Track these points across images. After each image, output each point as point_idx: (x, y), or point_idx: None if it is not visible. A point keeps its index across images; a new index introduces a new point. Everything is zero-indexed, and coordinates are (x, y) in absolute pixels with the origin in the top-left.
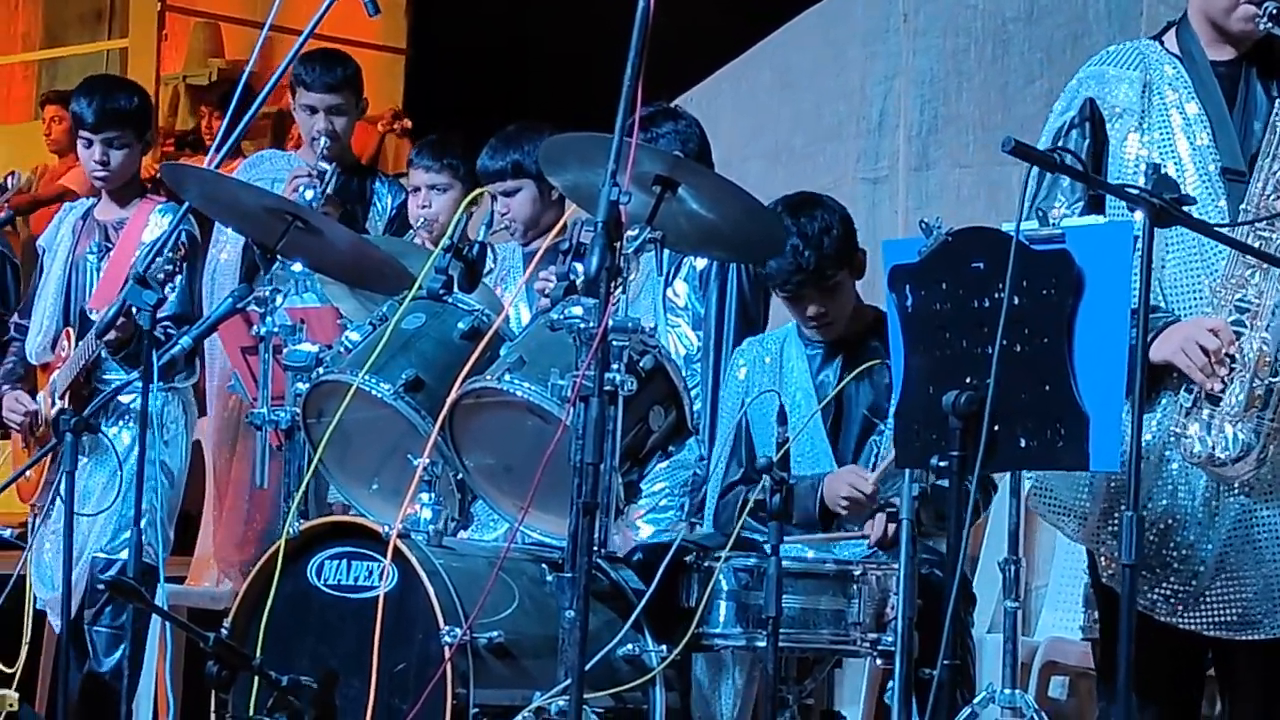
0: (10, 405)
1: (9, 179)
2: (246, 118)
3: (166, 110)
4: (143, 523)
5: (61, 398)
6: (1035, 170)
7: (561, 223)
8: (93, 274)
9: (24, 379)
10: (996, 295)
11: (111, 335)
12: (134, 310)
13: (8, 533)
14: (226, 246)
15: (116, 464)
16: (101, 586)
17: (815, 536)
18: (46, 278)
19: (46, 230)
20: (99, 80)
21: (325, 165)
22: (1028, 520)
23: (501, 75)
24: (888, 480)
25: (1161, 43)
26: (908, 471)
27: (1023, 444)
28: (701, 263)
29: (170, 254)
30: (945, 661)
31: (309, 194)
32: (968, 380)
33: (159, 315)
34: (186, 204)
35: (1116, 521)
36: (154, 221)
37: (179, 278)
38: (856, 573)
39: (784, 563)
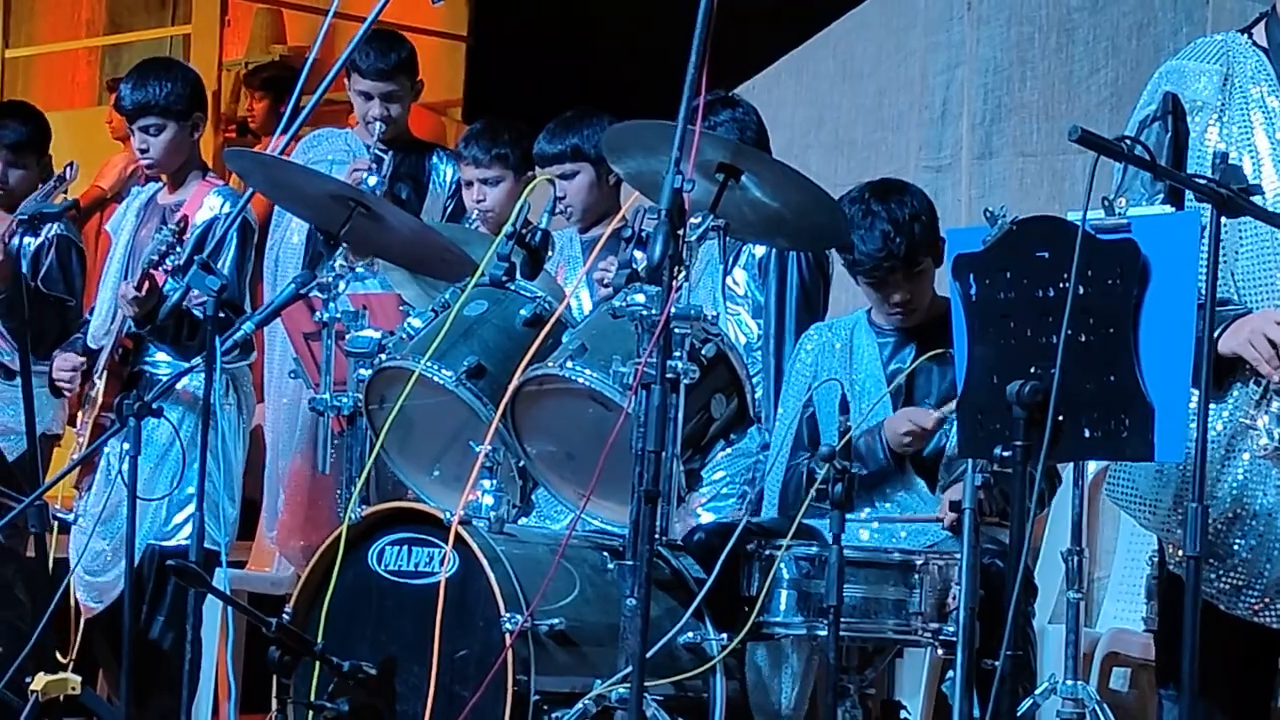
0: (59, 365)
1: (68, 169)
2: (311, 104)
3: (229, 96)
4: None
5: (100, 377)
6: (1119, 164)
7: (623, 211)
8: (149, 254)
9: (83, 352)
10: (1061, 284)
11: (134, 310)
12: (192, 293)
13: (70, 516)
14: (294, 231)
15: (164, 448)
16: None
17: (890, 517)
18: (110, 261)
19: (114, 215)
20: (139, 66)
21: (382, 152)
22: (1090, 511)
23: (563, 62)
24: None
25: (1250, 35)
26: (971, 461)
27: (1087, 434)
28: (760, 250)
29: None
30: (1007, 652)
31: (371, 180)
32: (1032, 370)
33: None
34: (250, 190)
35: (1184, 510)
36: (208, 204)
37: (229, 261)
38: (918, 563)
39: (846, 552)
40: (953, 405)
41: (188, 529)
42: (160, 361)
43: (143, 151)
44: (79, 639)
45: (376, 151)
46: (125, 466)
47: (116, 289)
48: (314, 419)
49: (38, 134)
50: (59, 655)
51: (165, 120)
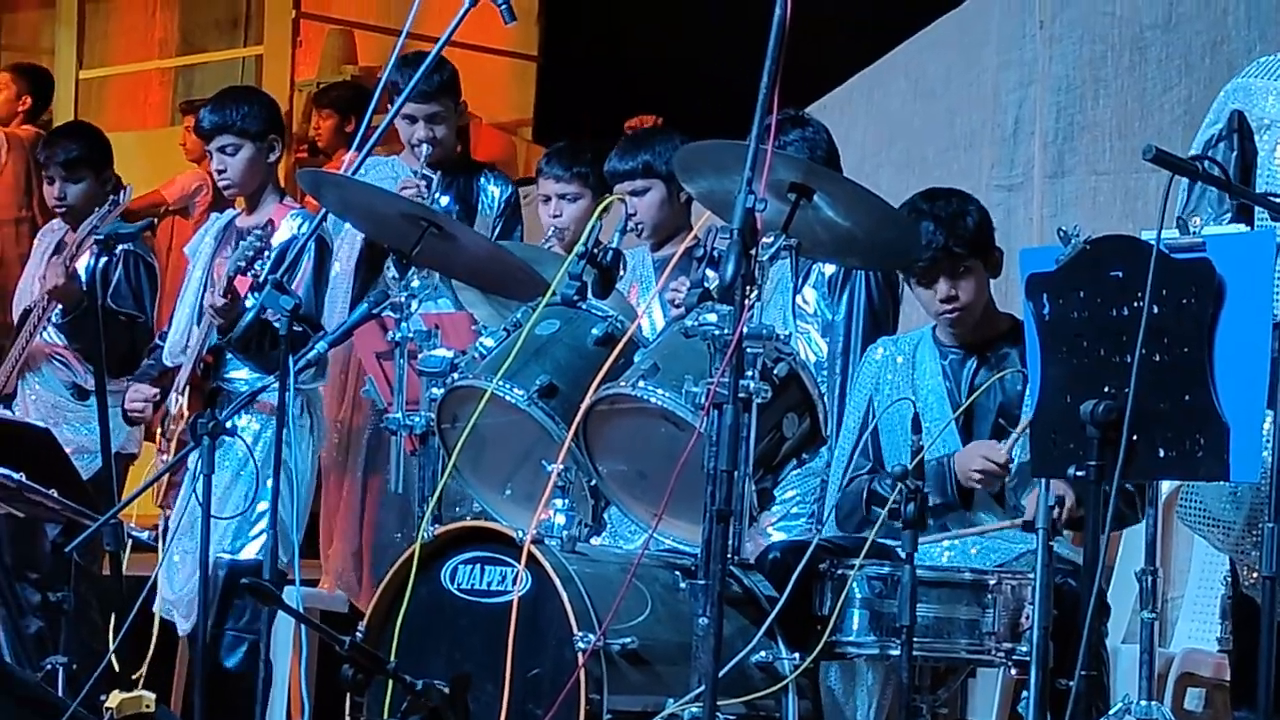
0: (132, 395)
1: (122, 192)
2: (384, 123)
3: (300, 117)
4: (264, 525)
5: (181, 392)
6: (1185, 181)
7: (695, 230)
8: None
9: (154, 380)
10: (1135, 304)
11: (221, 320)
12: (265, 310)
13: (145, 535)
14: (338, 261)
15: (240, 464)
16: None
17: (967, 531)
18: (187, 283)
19: (192, 239)
20: (220, 93)
21: (430, 173)
22: (1165, 530)
23: (632, 82)
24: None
25: None
26: (1044, 481)
27: (1161, 454)
28: (830, 269)
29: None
30: (1082, 672)
31: (444, 200)
32: (1106, 389)
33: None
34: (323, 210)
35: (1259, 532)
36: (286, 226)
37: (305, 279)
38: (991, 582)
39: (919, 571)
40: (1021, 431)
41: (256, 545)
42: (237, 379)
43: (220, 172)
44: (150, 655)
45: (424, 173)
46: (198, 486)
47: (194, 310)
48: (361, 444)
49: (92, 150)
50: (131, 673)
51: (241, 140)
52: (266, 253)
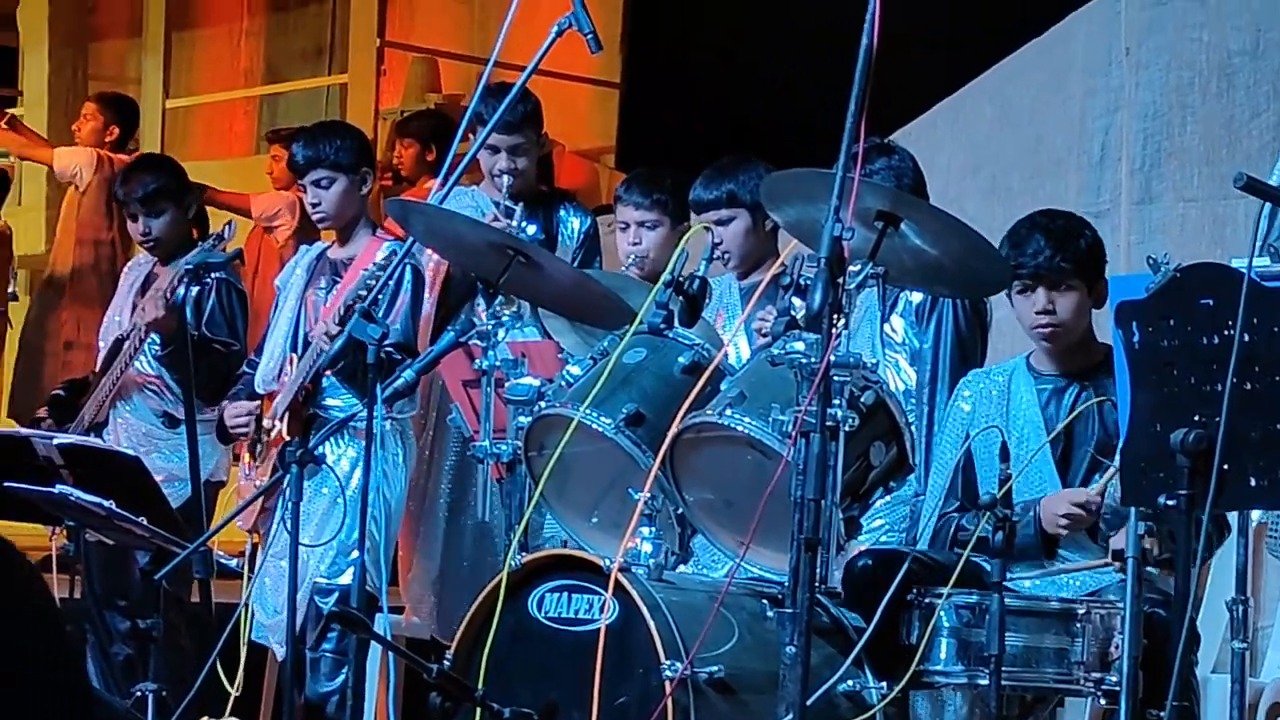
0: (233, 412)
1: (225, 228)
2: (471, 151)
3: (384, 145)
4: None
5: (280, 419)
6: (1268, 206)
7: (782, 258)
8: (319, 307)
9: (251, 397)
10: (1226, 332)
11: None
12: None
13: (234, 562)
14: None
15: (338, 490)
16: (332, 611)
17: (1053, 570)
18: (279, 314)
19: (283, 271)
20: (310, 127)
21: (512, 204)
22: (1254, 559)
23: (715, 110)
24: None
25: None
26: (1134, 509)
27: (1253, 483)
28: (918, 297)
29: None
30: (1172, 703)
31: (530, 229)
32: (1196, 418)
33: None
34: (411, 239)
35: None
36: (381, 258)
37: (403, 308)
38: (1080, 611)
39: (1007, 600)
40: (1112, 474)
41: (350, 573)
42: (333, 406)
43: (314, 206)
44: (240, 680)
45: (506, 204)
46: (288, 515)
47: (287, 340)
48: (439, 471)
49: (170, 181)
50: (221, 700)
51: (335, 174)
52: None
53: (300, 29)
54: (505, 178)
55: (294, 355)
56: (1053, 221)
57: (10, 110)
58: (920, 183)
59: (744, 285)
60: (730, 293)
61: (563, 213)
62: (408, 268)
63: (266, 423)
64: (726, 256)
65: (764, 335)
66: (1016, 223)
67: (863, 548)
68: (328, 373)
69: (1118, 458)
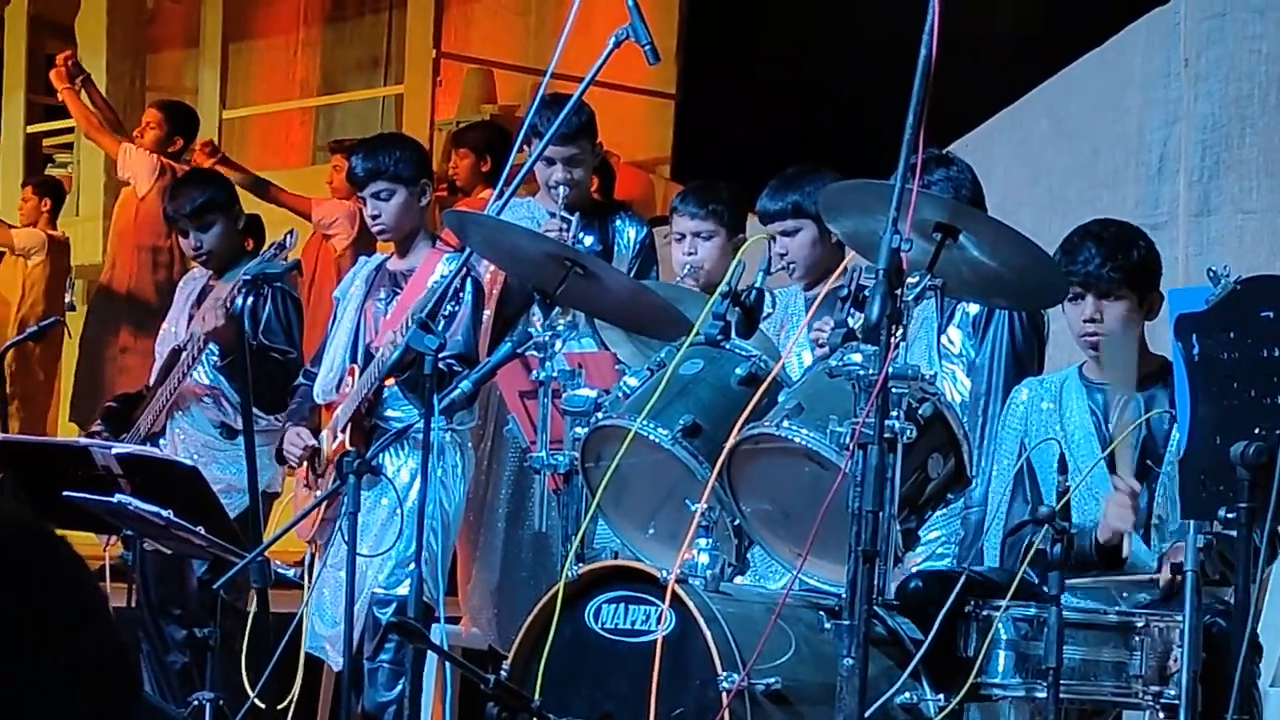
0: (290, 439)
1: (287, 237)
2: (528, 163)
3: (440, 156)
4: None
5: (343, 431)
6: None
7: (840, 269)
8: (378, 318)
9: (308, 420)
10: None
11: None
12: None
13: (291, 573)
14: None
15: (397, 501)
16: (390, 622)
17: (1105, 579)
18: (338, 325)
19: (341, 282)
20: (371, 139)
21: (568, 215)
22: None
23: (771, 121)
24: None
25: None
26: (1193, 523)
27: None
28: (974, 308)
29: (450, 303)
30: (1234, 716)
31: (588, 240)
32: (1256, 431)
33: (442, 355)
34: (468, 250)
35: None
36: (440, 270)
37: (463, 320)
38: (1139, 624)
39: (1065, 613)
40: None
41: (408, 584)
42: (393, 418)
43: (375, 218)
44: (297, 692)
45: (562, 215)
46: (345, 526)
47: (346, 351)
48: (497, 481)
49: (217, 193)
50: (276, 709)
51: (395, 186)
52: (462, 294)
53: (356, 40)
54: (561, 189)
55: (355, 367)
56: (1106, 230)
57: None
58: (978, 194)
59: (810, 296)
60: (796, 303)
61: (619, 223)
62: (469, 279)
63: (325, 434)
64: (792, 267)
65: (821, 346)
66: (1071, 231)
67: (916, 564)
68: (389, 383)
69: (1170, 458)
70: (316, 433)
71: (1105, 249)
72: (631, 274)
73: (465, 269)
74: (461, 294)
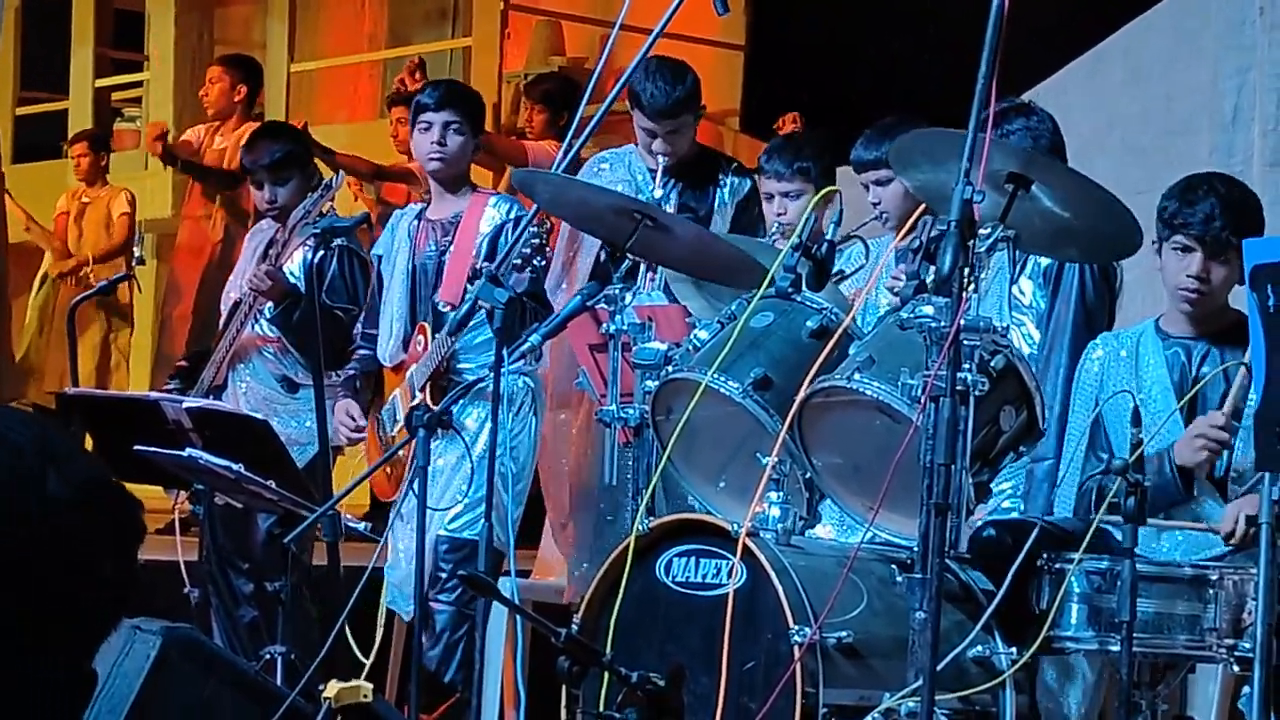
0: (340, 418)
1: (334, 179)
2: (594, 121)
3: (508, 108)
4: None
5: (421, 390)
6: None
7: (911, 221)
8: (432, 270)
9: (361, 390)
10: None
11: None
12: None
13: (362, 526)
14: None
15: (471, 454)
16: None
17: (1171, 523)
18: (390, 283)
19: (381, 238)
20: (441, 80)
21: (666, 177)
22: None
23: (841, 72)
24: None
25: None
26: (1267, 475)
27: None
28: (1046, 260)
29: (522, 249)
30: None
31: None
32: None
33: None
34: (535, 207)
35: None
36: (489, 214)
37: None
38: (1213, 577)
39: (1139, 566)
40: (1239, 387)
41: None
42: (466, 371)
43: (439, 144)
44: (378, 645)
45: (663, 171)
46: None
47: (404, 309)
48: (597, 432)
49: (294, 148)
50: (349, 662)
51: (466, 122)
52: (545, 249)
53: None
54: (661, 159)
55: (424, 325)
56: (1230, 191)
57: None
58: (1059, 144)
59: (902, 247)
60: (888, 253)
61: (722, 176)
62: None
63: (399, 393)
64: (885, 217)
65: (896, 294)
66: (1190, 177)
67: (985, 515)
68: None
69: (1250, 406)
70: (377, 393)
71: (1229, 212)
72: (732, 227)
73: (533, 216)
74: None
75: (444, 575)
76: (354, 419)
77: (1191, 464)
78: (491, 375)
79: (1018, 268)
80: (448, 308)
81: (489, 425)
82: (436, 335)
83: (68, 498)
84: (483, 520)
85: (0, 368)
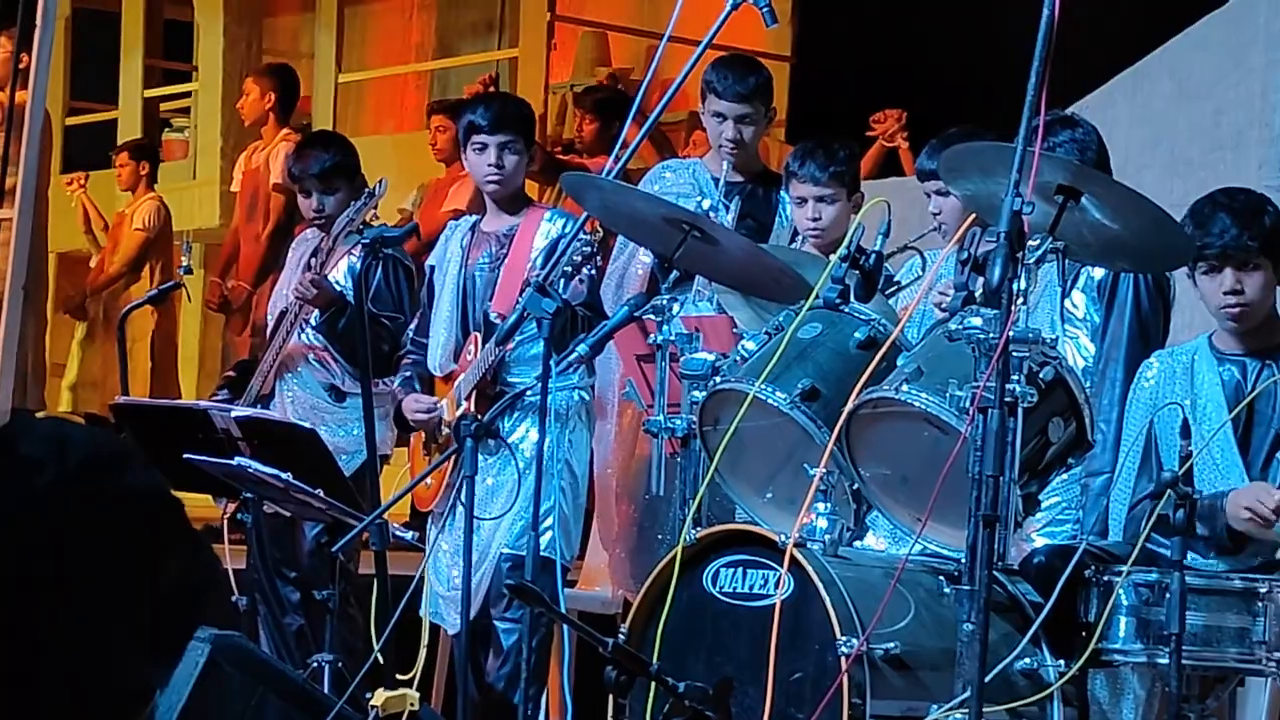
0: (411, 406)
1: (378, 185)
2: (644, 128)
3: (554, 119)
4: (549, 522)
5: (467, 399)
6: None
7: (960, 232)
8: (483, 282)
9: (420, 391)
10: None
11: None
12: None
13: (409, 535)
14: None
15: (517, 464)
16: (508, 584)
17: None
18: (441, 293)
19: (435, 249)
20: (491, 92)
21: (734, 177)
22: None
23: (887, 82)
24: None
25: None
26: None
27: None
28: (1100, 272)
29: (572, 258)
30: None
31: (705, 203)
32: None
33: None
34: (585, 214)
35: None
36: (544, 228)
37: (586, 270)
38: (1262, 590)
39: (1188, 578)
40: None
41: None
42: (517, 383)
43: (497, 167)
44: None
45: (727, 181)
46: (464, 489)
47: (454, 319)
48: (646, 442)
49: (343, 158)
50: (396, 671)
51: (521, 141)
52: (596, 258)
53: (471, 3)
54: (728, 146)
55: (476, 335)
56: (1234, 200)
57: None
58: (1104, 156)
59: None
60: (946, 265)
61: (784, 194)
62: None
63: (445, 403)
64: (944, 228)
65: (943, 310)
66: (1197, 202)
67: (1035, 530)
68: (509, 348)
69: None
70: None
71: (1239, 219)
72: (792, 244)
73: (581, 225)
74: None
75: (507, 594)
76: (424, 403)
77: (1240, 529)
78: (538, 385)
79: (1070, 281)
80: (499, 319)
81: (543, 437)
82: (485, 345)
83: (133, 502)
84: (549, 534)
85: (34, 376)
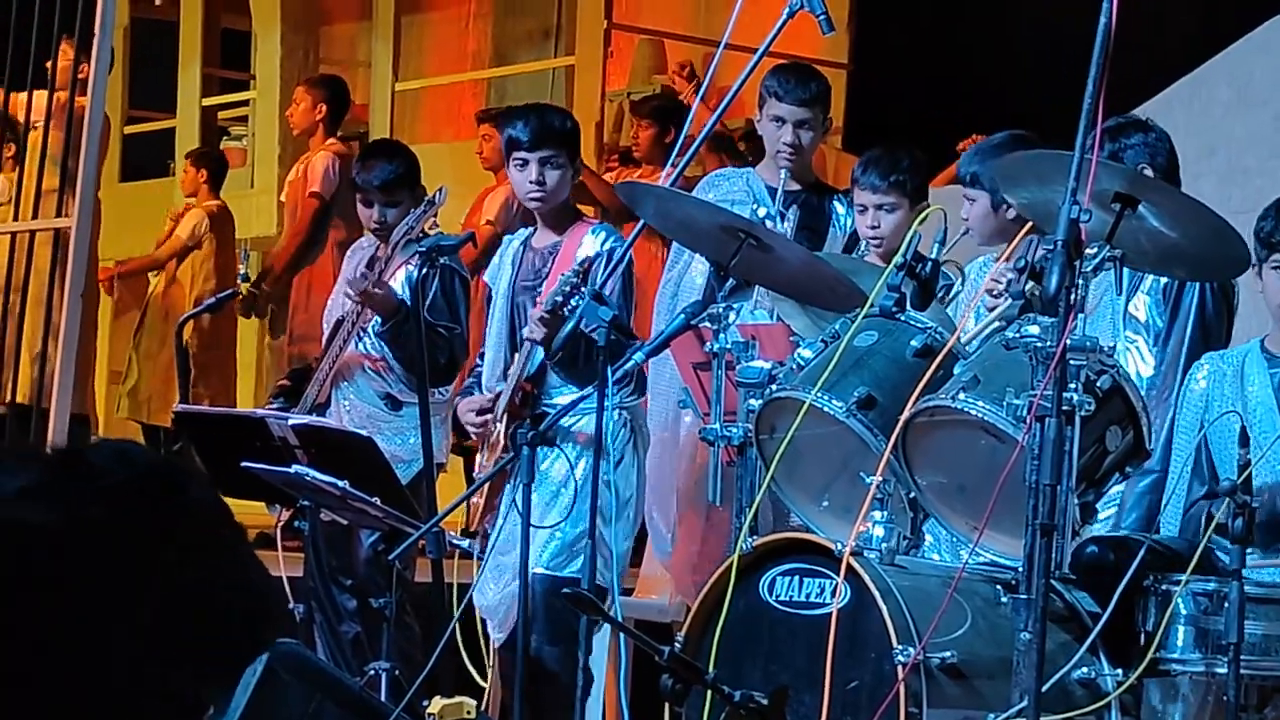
0: (463, 407)
1: (437, 194)
2: (702, 135)
3: (611, 127)
4: (583, 544)
5: (500, 420)
6: None
7: (1016, 240)
8: (529, 298)
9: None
10: None
11: (541, 334)
12: (588, 327)
13: (466, 543)
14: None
15: (561, 482)
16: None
17: (1267, 563)
18: (494, 310)
19: (490, 266)
20: (532, 104)
21: (790, 186)
22: None
23: (944, 90)
24: None
25: None
26: None
27: None
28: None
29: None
30: None
31: (761, 211)
32: None
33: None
34: (642, 221)
35: None
36: (588, 242)
37: (616, 290)
38: None
39: (1246, 588)
40: None
41: (578, 564)
42: (559, 405)
43: (538, 183)
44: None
45: (785, 190)
46: (518, 496)
47: (503, 338)
48: (705, 451)
49: (406, 169)
50: (451, 679)
51: (563, 155)
52: (582, 289)
53: (528, 11)
54: (785, 151)
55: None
56: None
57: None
58: (1173, 162)
59: (1004, 267)
60: (985, 265)
61: (837, 203)
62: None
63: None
64: (969, 231)
65: (993, 295)
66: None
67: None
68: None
69: None
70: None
71: None
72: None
73: (630, 245)
74: (620, 266)
75: (537, 618)
76: (475, 405)
77: None
78: (587, 393)
79: (1133, 284)
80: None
81: (581, 462)
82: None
83: (196, 512)
84: (581, 557)
85: (82, 383)
